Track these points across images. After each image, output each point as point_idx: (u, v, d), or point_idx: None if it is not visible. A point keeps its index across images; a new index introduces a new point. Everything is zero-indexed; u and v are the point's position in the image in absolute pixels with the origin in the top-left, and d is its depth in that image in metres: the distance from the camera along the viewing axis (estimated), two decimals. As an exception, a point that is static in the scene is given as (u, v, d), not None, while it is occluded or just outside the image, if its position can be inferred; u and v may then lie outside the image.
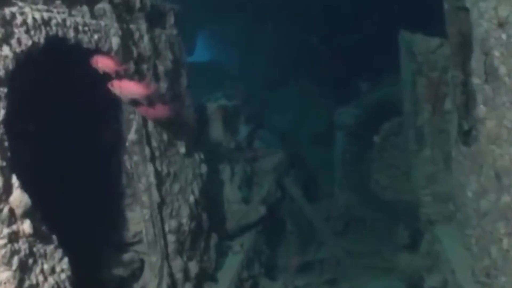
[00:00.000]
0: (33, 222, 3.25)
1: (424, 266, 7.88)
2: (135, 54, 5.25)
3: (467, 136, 6.08)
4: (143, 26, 5.63)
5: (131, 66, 5.16)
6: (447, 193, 7.48)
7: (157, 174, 5.55)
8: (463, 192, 6.21)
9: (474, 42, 5.32)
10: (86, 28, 4.36)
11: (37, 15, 3.67)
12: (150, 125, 5.55)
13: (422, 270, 7.85)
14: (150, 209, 5.41)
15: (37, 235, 3.32)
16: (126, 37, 5.15)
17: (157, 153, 5.62)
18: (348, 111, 11.22)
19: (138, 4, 5.50)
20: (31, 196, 3.24)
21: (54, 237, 3.50)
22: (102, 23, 4.71)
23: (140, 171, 5.34)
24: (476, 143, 5.60)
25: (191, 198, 6.32)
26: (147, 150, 5.37)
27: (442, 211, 7.65)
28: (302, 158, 12.94)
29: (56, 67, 4.75)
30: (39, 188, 4.84)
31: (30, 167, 4.99)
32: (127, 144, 5.33)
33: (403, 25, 8.69)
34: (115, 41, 4.83)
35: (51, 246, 3.46)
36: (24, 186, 3.23)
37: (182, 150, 6.27)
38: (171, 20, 6.50)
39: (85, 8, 4.55)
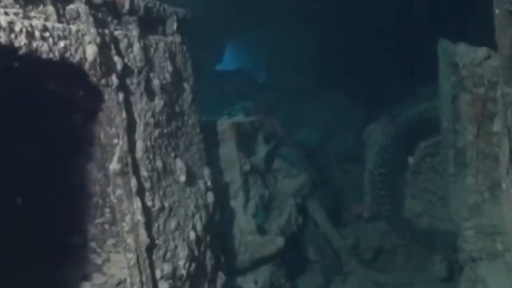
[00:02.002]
0: None
1: (463, 308, 6.98)
2: (119, 66, 4.32)
3: (520, 165, 5.23)
4: (134, 33, 4.71)
5: (113, 80, 4.24)
6: (493, 227, 6.57)
7: (146, 210, 4.61)
8: (516, 232, 5.31)
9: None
10: (47, 34, 3.46)
11: (-35, 18, 2.80)
12: (139, 150, 4.63)
13: (461, 311, 6.94)
14: (136, 253, 4.48)
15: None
16: (108, 45, 4.24)
17: (147, 185, 4.69)
18: (380, 128, 10.22)
19: (127, 6, 4.59)
20: None
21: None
22: (73, 28, 3.81)
23: (124, 207, 4.41)
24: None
25: (192, 235, 5.37)
26: (133, 182, 4.44)
27: (487, 247, 6.70)
28: (329, 178, 12.00)
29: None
30: None
31: None
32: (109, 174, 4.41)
33: (442, 31, 7.82)
34: (90, 50, 3.90)
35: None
36: None
37: (182, 178, 5.34)
38: (172, 26, 5.57)
39: (50, 9, 3.66)
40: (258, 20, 16.41)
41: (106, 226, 4.76)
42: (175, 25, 5.60)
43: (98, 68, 4.00)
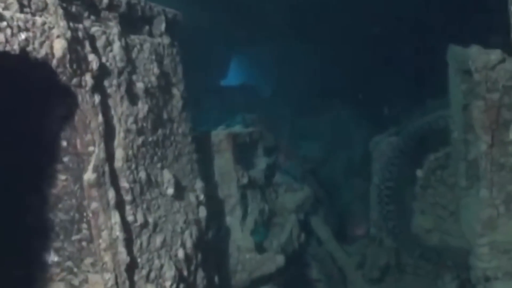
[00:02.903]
0: None
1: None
2: (95, 65, 3.89)
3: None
4: (114, 30, 4.29)
5: (88, 80, 3.80)
6: (509, 244, 6.30)
7: (126, 225, 4.16)
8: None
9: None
10: (3, 24, 3.03)
11: None
12: (119, 159, 4.19)
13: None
14: (115, 273, 4.03)
15: None
16: (81, 41, 3.81)
17: (127, 197, 4.24)
18: (386, 140, 9.78)
19: (105, 1, 4.17)
20: None
21: None
22: (39, 19, 3.38)
23: (100, 222, 3.96)
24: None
25: (180, 253, 4.91)
26: (111, 194, 4.00)
27: (503, 265, 6.39)
28: (334, 193, 11.58)
29: None
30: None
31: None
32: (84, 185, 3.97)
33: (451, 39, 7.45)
34: (58, 45, 3.46)
35: None
36: None
37: (170, 191, 4.89)
38: (160, 26, 5.15)
39: (11, -3, 3.24)
40: (263, 35, 16.23)
41: (84, 243, 4.29)
42: (163, 26, 5.18)
43: (68, 65, 3.56)
